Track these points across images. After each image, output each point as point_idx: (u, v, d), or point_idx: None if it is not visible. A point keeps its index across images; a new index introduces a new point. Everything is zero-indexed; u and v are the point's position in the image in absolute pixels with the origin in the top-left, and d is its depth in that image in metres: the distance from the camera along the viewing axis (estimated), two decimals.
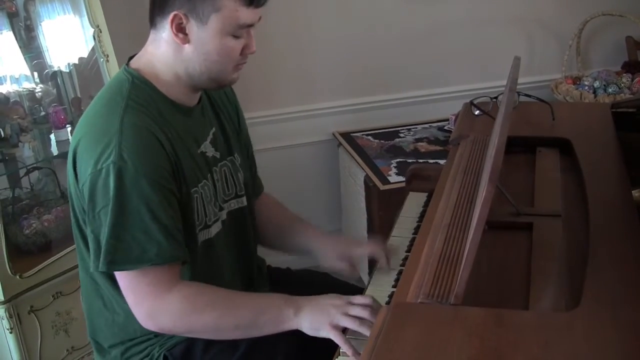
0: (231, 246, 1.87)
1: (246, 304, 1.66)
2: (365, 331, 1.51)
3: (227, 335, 1.66)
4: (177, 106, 1.71)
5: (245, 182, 1.92)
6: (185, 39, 1.63)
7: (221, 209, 1.83)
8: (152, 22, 1.69)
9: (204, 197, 1.74)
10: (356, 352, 1.50)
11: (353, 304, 1.58)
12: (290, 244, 2.04)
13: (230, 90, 1.95)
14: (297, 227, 2.04)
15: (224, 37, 1.63)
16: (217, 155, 1.82)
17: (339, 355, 1.53)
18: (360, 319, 1.54)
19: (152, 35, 1.70)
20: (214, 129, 1.83)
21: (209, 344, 1.73)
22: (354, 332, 1.54)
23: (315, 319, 1.58)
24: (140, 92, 1.66)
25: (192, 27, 1.62)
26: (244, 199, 1.91)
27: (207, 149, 1.79)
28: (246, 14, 1.62)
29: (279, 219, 2.06)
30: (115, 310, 1.75)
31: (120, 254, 1.57)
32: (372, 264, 1.88)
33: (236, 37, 1.65)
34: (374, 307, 1.57)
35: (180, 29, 1.62)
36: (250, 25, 1.66)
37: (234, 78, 1.73)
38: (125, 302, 1.68)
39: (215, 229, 1.79)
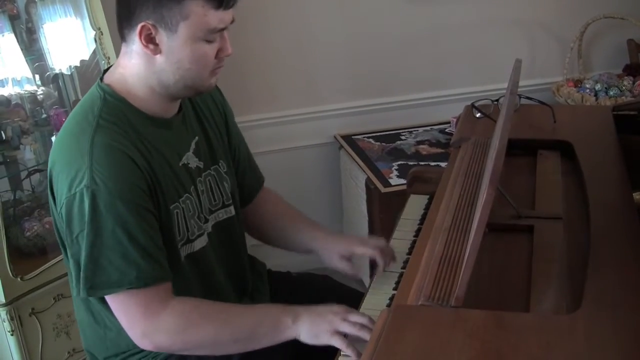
0: (221, 257, 1.84)
1: (243, 316, 1.64)
2: (366, 336, 1.51)
3: (225, 349, 1.65)
4: (153, 120, 1.67)
5: (232, 190, 1.88)
6: (156, 49, 1.58)
7: (206, 221, 1.79)
8: (122, 36, 1.64)
9: (185, 212, 1.70)
10: (359, 355, 1.49)
11: (352, 312, 1.58)
12: (293, 243, 2.01)
13: (217, 93, 1.91)
14: (300, 226, 2.01)
15: (195, 44, 1.58)
16: (201, 165, 1.78)
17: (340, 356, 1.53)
18: (360, 324, 1.54)
19: (123, 49, 1.65)
20: (197, 137, 1.79)
21: (202, 356, 1.71)
22: (353, 340, 1.54)
23: (315, 325, 1.57)
24: (113, 108, 1.62)
25: (162, 37, 1.57)
26: (232, 208, 1.87)
27: (190, 160, 1.75)
28: (216, 18, 1.57)
29: (283, 217, 2.03)
30: (106, 325, 1.72)
31: (99, 279, 1.55)
32: (373, 266, 1.88)
33: (209, 41, 1.60)
34: (370, 325, 1.56)
35: (149, 40, 1.57)
36: (223, 29, 1.61)
37: (212, 83, 1.68)
38: (116, 319, 1.65)
39: (199, 243, 1.76)
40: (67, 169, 1.55)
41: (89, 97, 1.66)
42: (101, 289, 1.56)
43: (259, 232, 2.05)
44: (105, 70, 1.72)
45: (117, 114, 1.61)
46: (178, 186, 1.69)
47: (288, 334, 1.59)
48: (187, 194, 1.72)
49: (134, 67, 1.63)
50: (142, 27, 1.56)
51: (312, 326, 1.57)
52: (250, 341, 1.62)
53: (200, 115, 1.83)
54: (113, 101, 1.63)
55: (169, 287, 1.62)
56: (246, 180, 1.99)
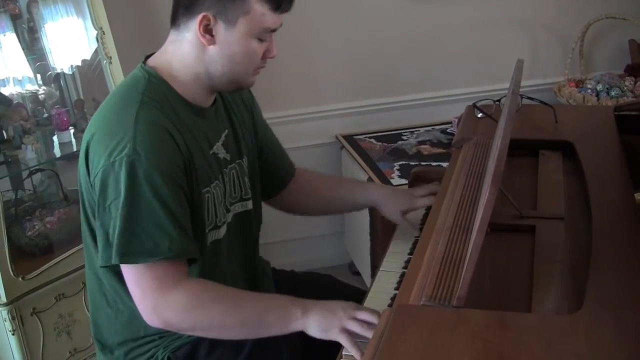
0: (235, 249, 1.87)
1: (253, 302, 1.66)
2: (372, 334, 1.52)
3: (233, 333, 1.66)
4: (191, 106, 1.72)
5: (252, 186, 1.92)
6: (212, 40, 1.64)
7: (228, 210, 1.83)
8: (175, 23, 1.69)
9: (215, 198, 1.74)
10: (363, 355, 1.50)
11: (361, 309, 1.59)
12: (349, 203, 2.17)
13: (247, 93, 1.96)
14: (352, 187, 2.19)
15: (249, 40, 1.65)
16: (228, 157, 1.83)
17: (342, 357, 1.53)
18: (368, 324, 1.55)
19: (173, 36, 1.70)
20: (226, 131, 1.84)
21: (213, 345, 1.73)
22: (359, 337, 1.54)
23: (325, 320, 1.57)
24: (156, 89, 1.67)
25: (220, 29, 1.63)
26: (250, 202, 1.91)
27: (219, 150, 1.79)
28: (272, 19, 1.65)
29: (331, 185, 2.17)
30: (118, 308, 1.75)
31: (133, 247, 1.57)
32: (375, 265, 1.89)
33: (261, 40, 1.67)
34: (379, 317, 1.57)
35: (207, 30, 1.63)
36: (274, 30, 1.68)
37: (252, 81, 1.75)
38: (129, 300, 1.68)
39: (223, 230, 1.79)
40: (108, 139, 1.59)
41: (132, 78, 1.72)
42: (134, 256, 1.58)
43: (307, 207, 2.17)
44: (148, 56, 1.76)
45: (160, 95, 1.67)
46: (209, 172, 1.74)
47: (296, 325, 1.60)
48: (217, 181, 1.76)
49: (184, 55, 1.69)
50: (203, 17, 1.62)
51: (321, 321, 1.58)
52: (257, 328, 1.63)
53: (229, 110, 1.88)
54: (157, 83, 1.69)
55: (185, 266, 1.64)
56: (278, 167, 2.07)
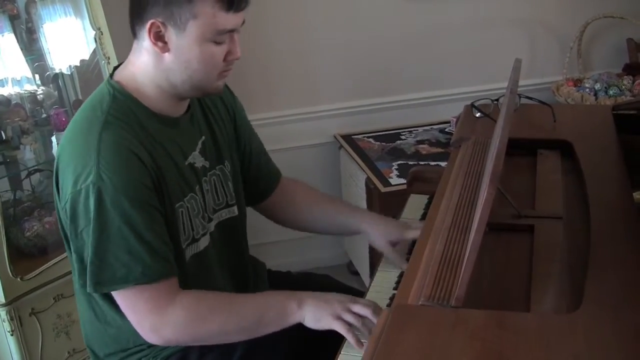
0: (222, 257, 1.84)
1: (249, 304, 1.66)
2: (366, 329, 1.53)
3: (234, 337, 1.65)
4: (161, 118, 1.67)
5: (237, 190, 1.89)
6: (165, 47, 1.59)
7: (210, 220, 1.80)
8: (133, 32, 1.64)
9: (190, 211, 1.71)
10: (359, 342, 1.52)
11: (357, 302, 1.59)
12: (334, 225, 2.05)
13: (227, 92, 1.91)
14: (341, 209, 2.06)
15: (203, 44, 1.58)
16: (207, 164, 1.79)
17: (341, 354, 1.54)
18: (362, 317, 1.55)
19: (135, 45, 1.66)
20: (203, 137, 1.79)
21: (203, 352, 1.73)
22: (355, 329, 1.55)
23: (319, 310, 1.59)
24: (121, 106, 1.62)
25: (171, 35, 1.57)
26: (235, 208, 1.88)
27: (196, 159, 1.75)
28: (225, 19, 1.57)
29: (319, 202, 2.06)
30: (107, 322, 1.73)
31: (105, 275, 1.56)
32: (373, 265, 1.89)
33: (217, 43, 1.60)
34: (376, 312, 1.57)
35: (158, 38, 1.58)
36: (232, 31, 1.61)
37: (219, 85, 1.68)
38: (116, 315, 1.67)
39: (203, 242, 1.77)
40: (73, 164, 1.56)
41: (98, 94, 1.67)
42: (107, 284, 1.57)
43: (292, 221, 2.07)
44: (116, 67, 1.72)
45: (125, 111, 1.62)
46: (183, 185, 1.70)
47: (293, 319, 1.61)
48: (192, 193, 1.72)
49: (143, 65, 1.64)
50: (152, 24, 1.56)
51: (316, 311, 1.59)
52: (257, 329, 1.63)
53: (208, 114, 1.83)
54: (122, 98, 1.64)
55: (175, 282, 1.63)
56: (261, 174, 2.01)
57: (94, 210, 1.53)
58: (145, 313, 1.59)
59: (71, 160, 1.58)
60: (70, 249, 1.67)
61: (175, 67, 1.61)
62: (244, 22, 1.63)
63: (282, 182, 2.06)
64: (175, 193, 1.67)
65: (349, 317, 1.56)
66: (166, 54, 1.60)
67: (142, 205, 1.56)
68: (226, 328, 1.63)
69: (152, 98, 1.66)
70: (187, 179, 1.71)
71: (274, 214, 2.07)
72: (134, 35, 1.65)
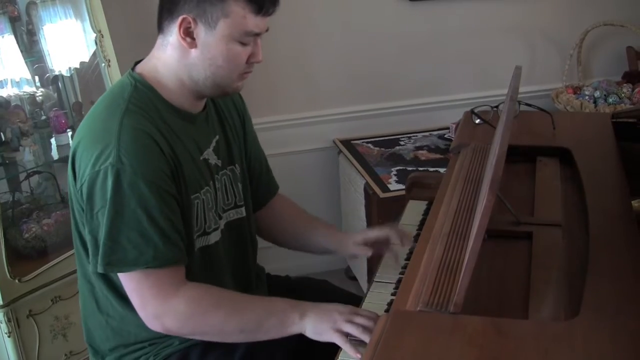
0: (229, 256, 1.86)
1: (252, 308, 1.66)
2: (367, 339, 1.52)
3: (232, 338, 1.66)
4: (179, 112, 1.71)
5: (245, 193, 1.92)
6: (193, 43, 1.64)
7: (220, 217, 1.82)
8: (160, 27, 1.69)
9: (205, 204, 1.74)
10: (357, 351, 1.52)
11: (358, 314, 1.59)
12: (310, 245, 2.05)
13: (238, 98, 1.95)
14: (317, 229, 2.05)
15: (230, 43, 1.63)
16: (219, 163, 1.82)
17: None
18: (363, 327, 1.55)
19: (160, 40, 1.70)
20: (217, 136, 1.83)
21: (204, 352, 1.74)
22: (356, 339, 1.55)
23: (320, 322, 1.59)
24: (142, 96, 1.66)
25: (200, 32, 1.62)
26: (243, 209, 1.91)
27: (210, 156, 1.79)
28: (254, 22, 1.63)
29: (299, 221, 2.08)
30: (109, 314, 1.75)
31: (116, 256, 1.58)
32: (371, 271, 1.89)
33: (243, 44, 1.65)
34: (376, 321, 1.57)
35: (187, 33, 1.63)
36: (257, 34, 1.67)
37: (238, 86, 1.73)
38: (119, 306, 1.70)
39: (214, 237, 1.79)
40: (93, 147, 1.59)
41: (119, 85, 1.71)
42: (118, 265, 1.59)
43: (274, 235, 2.08)
44: (137, 62, 1.76)
45: (145, 102, 1.66)
46: (199, 178, 1.73)
47: (294, 329, 1.61)
48: (207, 187, 1.76)
49: (168, 59, 1.68)
50: (183, 19, 1.61)
51: (316, 323, 1.59)
52: (256, 333, 1.64)
53: (221, 116, 1.87)
54: (143, 90, 1.68)
55: (183, 271, 1.65)
56: (261, 185, 2.03)
57: (110, 191, 1.55)
58: (149, 298, 1.61)
59: (91, 143, 1.60)
60: (79, 238, 1.71)
61: (199, 63, 1.65)
62: (267, 29, 1.70)
63: (275, 197, 2.09)
64: (192, 184, 1.70)
65: (349, 328, 1.56)
66: (192, 50, 1.64)
67: (159, 191, 1.59)
68: (226, 327, 1.64)
69: (173, 92, 1.70)
70: (202, 173, 1.75)
71: (262, 228, 2.07)
72: (160, 30, 1.69)
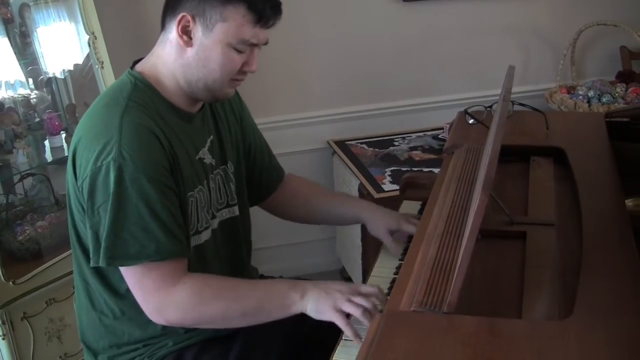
0: (222, 255, 1.87)
1: (252, 292, 1.67)
2: (367, 321, 1.54)
3: (235, 323, 1.68)
4: (178, 111, 1.73)
5: (238, 192, 1.93)
6: (189, 42, 1.65)
7: (213, 217, 1.83)
8: (163, 24, 1.71)
9: (198, 203, 1.75)
10: (357, 336, 1.53)
11: (359, 292, 1.60)
12: (338, 215, 2.11)
13: (236, 99, 1.96)
14: (344, 199, 2.16)
15: (225, 48, 1.64)
16: (213, 162, 1.83)
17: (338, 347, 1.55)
18: (363, 308, 1.56)
19: (161, 37, 1.72)
20: (211, 136, 1.84)
21: (199, 354, 1.74)
22: (357, 323, 1.57)
23: (320, 302, 1.60)
24: (142, 94, 1.68)
25: (197, 31, 1.64)
26: (236, 208, 1.92)
27: (205, 155, 1.80)
28: (251, 32, 1.65)
29: (322, 195, 2.14)
30: (103, 312, 1.76)
31: (119, 250, 1.59)
32: (366, 271, 1.89)
33: (239, 51, 1.66)
34: (379, 298, 1.60)
35: (185, 31, 1.64)
36: (255, 45, 1.68)
37: (229, 92, 1.75)
38: (113, 304, 1.71)
39: (205, 235, 1.80)
40: (94, 143, 1.60)
41: (118, 83, 1.73)
42: (120, 259, 1.60)
43: (297, 214, 2.15)
44: (136, 61, 1.77)
45: (145, 99, 1.67)
46: (194, 176, 1.75)
47: (295, 309, 1.62)
48: (201, 186, 1.77)
49: (166, 57, 1.70)
50: (182, 16, 1.63)
51: (318, 302, 1.60)
52: (258, 316, 1.65)
53: (216, 116, 1.89)
54: (143, 87, 1.69)
55: (185, 264, 1.66)
56: (265, 171, 2.06)
57: (113, 186, 1.56)
58: (152, 291, 1.62)
59: (92, 139, 1.61)
60: (76, 236, 1.72)
61: (193, 64, 1.67)
62: (266, 43, 1.71)
63: (286, 179, 2.13)
64: (188, 182, 1.71)
65: (350, 308, 1.57)
66: (189, 49, 1.66)
67: (160, 186, 1.60)
68: (228, 314, 1.65)
69: (170, 91, 1.72)
70: (197, 172, 1.76)
71: (279, 209, 2.14)
72: (163, 26, 1.71)
